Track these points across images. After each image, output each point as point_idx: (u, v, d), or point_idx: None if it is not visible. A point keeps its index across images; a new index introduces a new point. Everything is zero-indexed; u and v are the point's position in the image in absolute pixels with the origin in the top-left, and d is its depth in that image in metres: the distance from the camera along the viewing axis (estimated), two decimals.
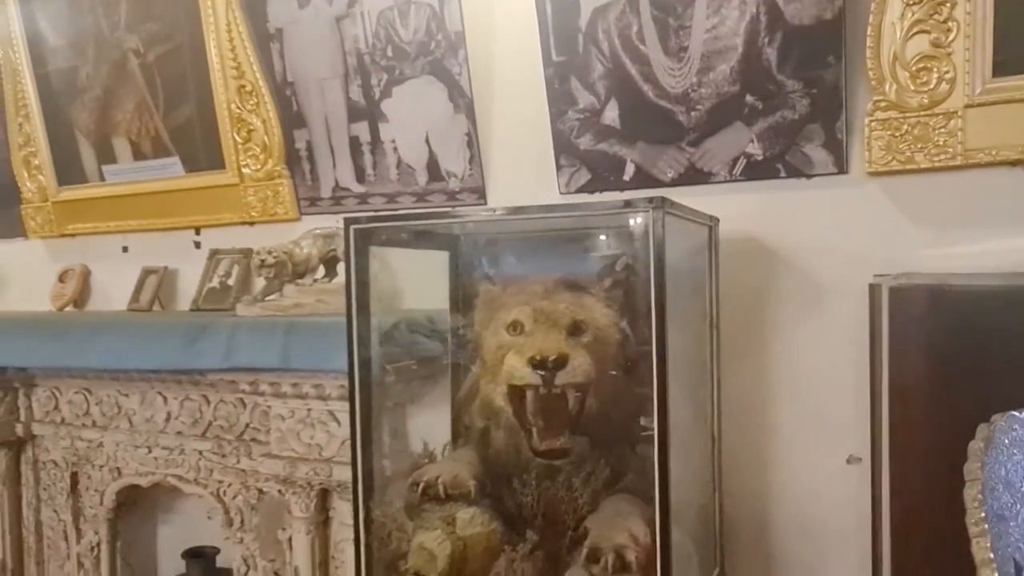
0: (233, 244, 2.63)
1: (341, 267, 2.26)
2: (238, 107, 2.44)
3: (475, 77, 2.10)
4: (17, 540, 3.00)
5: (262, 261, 2.00)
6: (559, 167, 2.06)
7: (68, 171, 2.85)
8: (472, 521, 1.54)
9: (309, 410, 2.23)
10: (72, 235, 2.96)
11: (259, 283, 2.58)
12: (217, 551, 2.89)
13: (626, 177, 1.99)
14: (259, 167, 2.46)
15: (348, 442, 2.18)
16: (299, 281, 2.10)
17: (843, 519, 1.82)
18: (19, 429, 2.93)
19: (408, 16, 2.13)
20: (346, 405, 2.15)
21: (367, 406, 1.68)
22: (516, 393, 1.51)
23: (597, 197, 2.04)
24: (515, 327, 1.54)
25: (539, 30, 1.98)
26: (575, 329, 1.51)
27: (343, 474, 2.17)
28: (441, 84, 2.14)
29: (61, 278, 2.96)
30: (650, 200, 1.29)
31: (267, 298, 2.10)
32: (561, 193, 2.08)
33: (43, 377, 2.88)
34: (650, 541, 1.42)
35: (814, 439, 1.85)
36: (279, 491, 2.47)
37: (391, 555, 1.62)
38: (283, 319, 1.97)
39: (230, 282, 2.55)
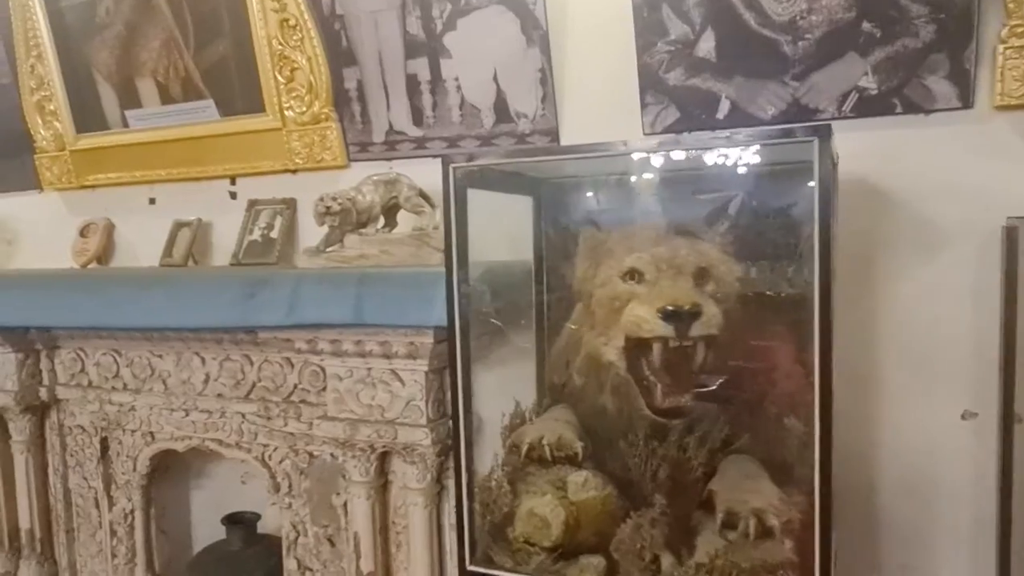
0: (273, 194, 2.45)
1: (401, 216, 2.10)
2: (280, 43, 2.24)
3: (550, 7, 1.92)
4: (44, 508, 2.86)
5: (327, 208, 1.83)
6: (644, 105, 1.91)
7: (87, 117, 2.64)
8: (585, 485, 1.42)
9: (369, 369, 2.10)
10: (92, 187, 2.76)
11: (305, 236, 2.43)
12: (258, 517, 2.78)
13: (720, 115, 1.84)
14: (304, 109, 2.27)
15: (412, 403, 2.07)
16: (362, 231, 1.94)
17: (955, 478, 1.73)
18: (43, 393, 2.77)
19: None
20: (411, 363, 2.03)
21: (467, 363, 1.53)
22: (636, 346, 1.38)
23: (687, 137, 1.89)
24: (632, 275, 1.41)
25: None
26: (701, 277, 1.38)
27: (409, 436, 2.05)
28: (513, 15, 1.96)
29: (83, 233, 2.77)
30: (814, 129, 1.15)
31: (328, 249, 1.94)
32: (645, 133, 1.93)
33: (67, 338, 2.71)
34: (786, 505, 1.32)
35: (925, 393, 1.74)
36: (332, 455, 2.35)
37: (495, 521, 1.50)
38: (354, 271, 1.82)
39: (273, 235, 2.39)
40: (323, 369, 2.28)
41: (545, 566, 1.40)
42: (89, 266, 2.73)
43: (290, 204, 2.40)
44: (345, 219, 1.88)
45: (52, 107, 2.67)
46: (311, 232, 2.41)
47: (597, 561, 1.40)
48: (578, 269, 1.54)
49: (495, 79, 2.04)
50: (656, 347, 1.34)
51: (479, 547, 1.48)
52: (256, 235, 2.41)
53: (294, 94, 2.27)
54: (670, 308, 1.29)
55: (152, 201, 2.69)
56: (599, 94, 1.97)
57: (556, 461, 1.47)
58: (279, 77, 2.27)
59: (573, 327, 1.57)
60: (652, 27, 1.84)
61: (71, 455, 2.85)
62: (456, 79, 2.08)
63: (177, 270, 2.33)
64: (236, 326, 1.96)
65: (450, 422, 2.12)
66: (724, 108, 1.83)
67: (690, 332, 1.30)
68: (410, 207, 2.03)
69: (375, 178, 2.02)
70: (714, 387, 1.38)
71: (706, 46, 1.80)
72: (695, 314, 1.29)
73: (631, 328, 1.35)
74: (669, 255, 1.38)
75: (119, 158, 2.63)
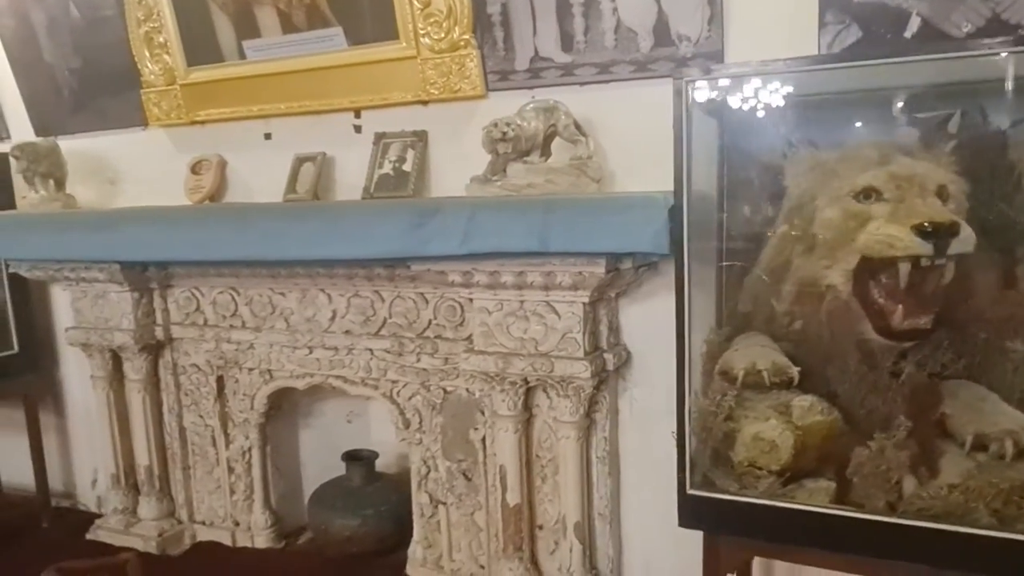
0: (401, 126, 2.39)
1: (556, 145, 2.05)
2: None
3: None
4: (160, 446, 2.88)
5: (504, 134, 1.78)
6: (823, 24, 1.83)
7: (200, 49, 2.56)
8: (811, 410, 1.41)
9: (522, 302, 2.08)
10: (203, 122, 2.70)
11: (437, 169, 2.38)
12: (376, 455, 2.79)
13: (908, 34, 1.76)
14: (442, 36, 2.19)
15: (568, 335, 2.05)
16: (527, 159, 1.89)
17: None
18: (158, 332, 2.77)
19: None
20: (570, 294, 2.00)
21: (689, 288, 1.50)
22: (869, 268, 1.34)
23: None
24: (868, 194, 1.36)
25: None
26: (942, 195, 1.33)
27: (566, 369, 2.04)
28: None
29: (194, 169, 2.72)
30: None
31: (492, 178, 1.90)
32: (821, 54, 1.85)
33: (182, 277, 2.70)
34: None
35: None
36: (467, 390, 2.35)
37: (714, 447, 1.49)
38: (538, 198, 1.77)
39: (406, 167, 2.33)
40: (460, 305, 2.27)
41: (773, 489, 1.39)
42: (204, 202, 2.69)
43: (422, 136, 2.34)
44: (515, 147, 1.83)
45: (162, 39, 2.59)
46: (443, 165, 2.37)
47: (826, 484, 1.39)
48: (792, 192, 1.49)
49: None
50: (903, 267, 1.30)
51: (697, 472, 1.47)
52: (387, 168, 2.36)
53: (432, 20, 2.19)
54: (927, 225, 1.25)
55: (268, 136, 2.63)
56: (771, 15, 1.89)
57: (773, 386, 1.45)
58: (416, 2, 2.18)
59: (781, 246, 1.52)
60: None
61: (186, 394, 2.86)
62: (613, 1, 2.00)
63: (327, 203, 2.26)
64: (403, 256, 1.92)
65: (604, 354, 2.11)
66: (914, 25, 1.75)
67: (949, 250, 1.26)
68: (568, 136, 1.97)
69: (533, 105, 1.96)
70: (949, 311, 1.35)
71: None
72: (953, 232, 1.25)
73: (877, 248, 1.31)
74: (907, 173, 1.34)
75: (234, 92, 2.56)
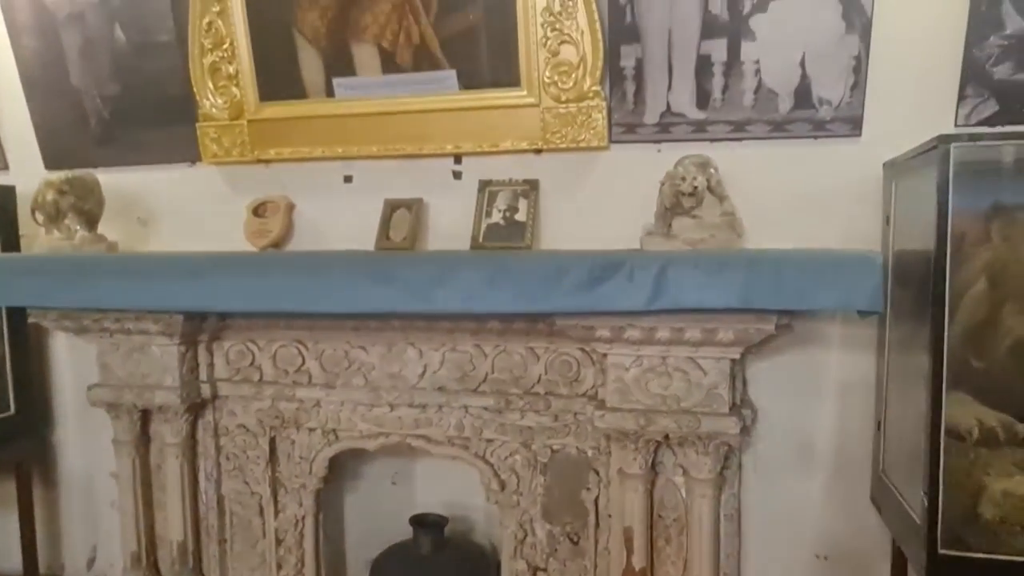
0: (507, 174, 2.31)
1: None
2: (551, 15, 2.12)
3: None
4: (195, 518, 2.56)
5: (694, 189, 1.75)
6: (962, 97, 1.95)
7: (278, 84, 2.38)
8: None
9: (664, 358, 2.03)
10: (268, 161, 2.50)
11: (547, 219, 2.31)
12: (445, 520, 2.61)
13: None
14: (569, 85, 2.15)
15: (713, 391, 2.02)
16: (695, 214, 1.87)
17: None
18: (204, 390, 2.49)
19: None
20: (718, 350, 1.98)
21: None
22: None
23: (1000, 130, 1.96)
24: None
25: None
26: None
27: (713, 426, 2.01)
28: (836, 1, 1.95)
29: (257, 212, 2.50)
30: None
31: (668, 232, 1.86)
32: (958, 125, 1.98)
33: (238, 328, 2.45)
34: None
35: None
36: (577, 448, 2.26)
37: (959, 505, 1.49)
38: (739, 254, 1.75)
39: (519, 217, 2.25)
40: (576, 360, 2.20)
41: None
42: (270, 248, 2.47)
43: (534, 186, 2.27)
44: (700, 202, 1.81)
45: (232, 70, 2.39)
46: (556, 216, 2.31)
47: None
48: (998, 250, 1.55)
49: (802, 64, 2.02)
50: None
51: (946, 531, 1.47)
52: (496, 218, 2.27)
53: (561, 69, 2.15)
54: None
55: (348, 179, 2.46)
56: (911, 84, 2.00)
57: (1003, 443, 1.49)
58: (545, 51, 2.14)
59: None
60: (988, 21, 1.89)
61: (227, 458, 2.58)
62: (756, 62, 2.05)
63: (479, 254, 2.07)
64: (581, 311, 1.83)
65: (742, 410, 2.10)
66: None
67: None
68: (719, 192, 1.98)
69: (690, 160, 1.95)
70: None
71: None
72: None
73: None
74: None
75: (314, 130, 2.39)
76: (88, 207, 2.38)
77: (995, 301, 1.59)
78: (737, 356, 1.98)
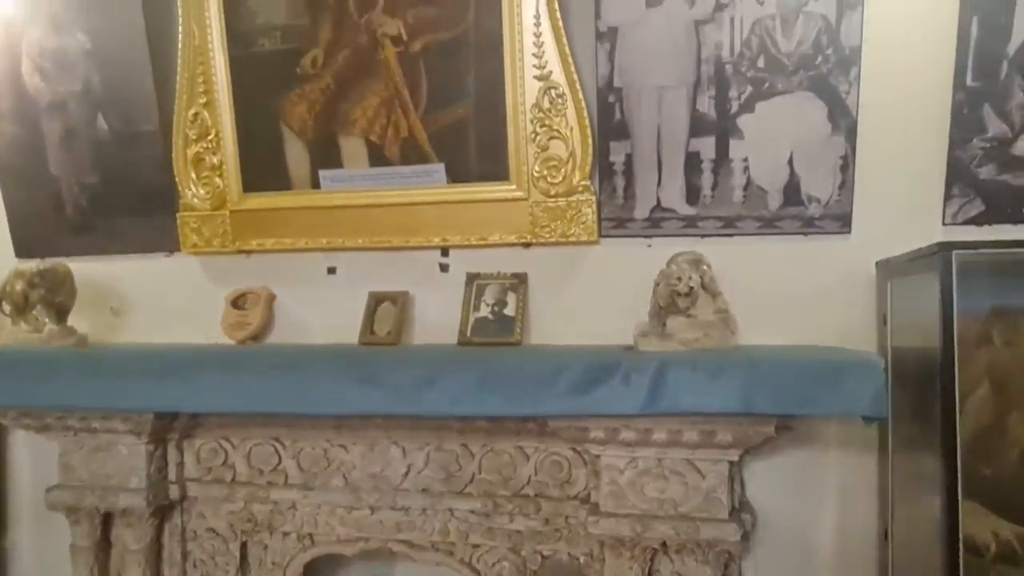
0: (495, 268, 2.27)
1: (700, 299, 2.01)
2: (540, 111, 2.13)
3: (863, 96, 1.97)
4: None
5: (691, 289, 1.72)
6: (948, 196, 1.97)
7: (263, 175, 2.35)
8: None
9: (660, 460, 1.96)
10: (249, 252, 2.44)
11: (536, 313, 2.26)
12: None
13: None
14: (559, 180, 2.15)
15: (711, 495, 1.94)
16: (690, 313, 1.83)
17: None
18: (173, 491, 2.35)
19: (793, 27, 1.97)
20: (717, 452, 1.91)
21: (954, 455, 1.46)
22: None
23: (987, 229, 1.97)
24: None
25: (956, 54, 1.90)
26: None
27: (713, 532, 1.92)
28: (821, 102, 1.99)
29: (236, 303, 2.42)
30: None
31: (663, 331, 1.81)
32: (945, 224, 1.99)
33: (211, 425, 2.33)
34: None
35: None
36: (568, 554, 2.15)
37: None
38: (738, 356, 1.70)
39: (508, 311, 2.20)
40: (567, 461, 2.12)
41: None
42: (248, 341, 2.38)
43: (523, 279, 2.23)
44: (695, 301, 1.78)
45: (216, 160, 2.36)
46: (544, 310, 2.26)
47: None
48: (999, 354, 1.52)
49: (790, 162, 2.04)
50: None
51: None
52: (485, 312, 2.22)
53: (550, 163, 2.15)
54: None
55: (332, 270, 2.41)
56: (899, 183, 2.01)
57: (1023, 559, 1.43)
58: (534, 146, 2.14)
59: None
60: (971, 124, 1.92)
61: (194, 565, 2.42)
62: (745, 159, 2.06)
63: (470, 354, 1.98)
64: (575, 414, 1.76)
65: (741, 515, 2.01)
66: None
67: None
68: (712, 289, 1.95)
69: (683, 258, 1.93)
70: None
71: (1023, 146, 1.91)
72: None
73: None
74: None
75: (298, 222, 2.35)
76: (59, 299, 2.28)
77: (1000, 407, 1.56)
78: (736, 458, 1.91)
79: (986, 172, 1.94)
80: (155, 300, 2.54)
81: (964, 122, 1.93)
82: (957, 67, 1.91)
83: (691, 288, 1.74)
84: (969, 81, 1.91)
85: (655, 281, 1.83)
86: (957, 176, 1.96)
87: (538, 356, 1.86)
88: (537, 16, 2.09)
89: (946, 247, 1.39)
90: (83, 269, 2.53)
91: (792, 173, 2.04)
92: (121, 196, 2.49)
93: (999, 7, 1.86)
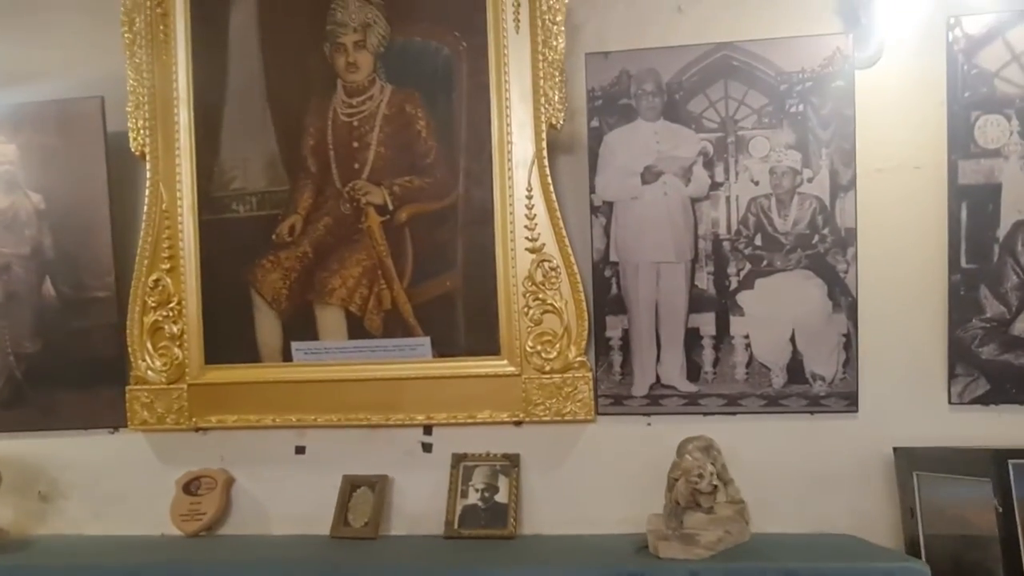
0: (483, 448, 2.10)
1: None
2: (533, 284, 2.04)
3: (862, 275, 1.96)
4: None
5: (714, 488, 1.58)
6: (953, 376, 1.94)
7: (228, 346, 2.16)
8: None
9: None
10: (206, 429, 2.20)
11: (529, 498, 2.08)
12: None
13: None
14: (553, 355, 2.03)
15: None
16: (712, 508, 1.69)
17: None
18: None
19: (788, 207, 1.97)
20: None
21: None
22: None
23: (995, 409, 1.93)
24: None
25: (949, 237, 1.92)
26: None
27: None
28: (820, 280, 1.96)
29: (188, 488, 2.15)
30: None
31: (683, 531, 1.65)
32: (951, 403, 1.94)
33: None
34: None
35: None
36: None
37: None
38: (776, 567, 1.54)
39: (499, 498, 2.01)
40: None
41: None
42: (201, 533, 2.10)
43: (515, 461, 2.06)
44: (708, 501, 1.64)
45: (176, 330, 2.16)
46: (537, 495, 2.08)
47: None
48: None
49: (792, 340, 1.98)
50: None
51: None
52: (473, 499, 2.02)
53: (544, 338, 2.04)
54: None
55: (300, 450, 2.18)
56: (903, 362, 1.98)
57: None
58: (527, 320, 2.04)
59: None
60: (968, 305, 1.92)
61: None
62: (746, 336, 2.00)
63: (455, 551, 1.76)
64: None
65: None
66: None
67: None
68: (726, 476, 1.83)
69: (694, 445, 1.81)
70: None
71: (1022, 327, 1.91)
72: None
73: None
74: None
75: (264, 397, 2.14)
76: None
77: None
78: None
79: (988, 352, 1.92)
80: (93, 484, 2.25)
81: (962, 303, 1.93)
82: (951, 249, 1.92)
83: (715, 487, 1.60)
84: (964, 263, 1.92)
85: (670, 476, 1.70)
86: (959, 355, 1.94)
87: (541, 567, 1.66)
88: (530, 189, 2.05)
89: (1001, 456, 1.30)
90: (9, 447, 2.25)
91: (795, 351, 1.99)
92: (63, 367, 2.24)
93: (986, 196, 1.90)
